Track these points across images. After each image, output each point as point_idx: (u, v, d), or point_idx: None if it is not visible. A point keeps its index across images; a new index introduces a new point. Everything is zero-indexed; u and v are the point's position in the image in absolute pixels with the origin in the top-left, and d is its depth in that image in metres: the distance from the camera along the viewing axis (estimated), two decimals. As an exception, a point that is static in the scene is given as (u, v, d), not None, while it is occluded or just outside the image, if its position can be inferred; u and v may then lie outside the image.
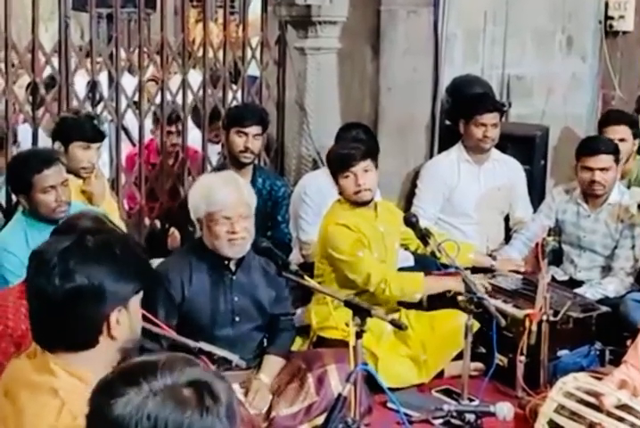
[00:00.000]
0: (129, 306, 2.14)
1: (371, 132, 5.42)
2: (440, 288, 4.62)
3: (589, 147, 5.08)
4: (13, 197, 4.85)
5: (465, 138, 5.53)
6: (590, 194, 5.12)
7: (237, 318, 3.92)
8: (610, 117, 5.86)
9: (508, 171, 5.64)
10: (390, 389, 3.71)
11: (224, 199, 3.76)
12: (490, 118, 5.44)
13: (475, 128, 5.45)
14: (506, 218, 5.74)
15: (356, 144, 4.60)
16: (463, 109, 5.62)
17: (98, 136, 4.66)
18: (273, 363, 3.97)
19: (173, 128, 5.79)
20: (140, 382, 1.59)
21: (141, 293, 2.19)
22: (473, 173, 5.55)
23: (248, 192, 3.87)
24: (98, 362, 2.12)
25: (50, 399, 2.05)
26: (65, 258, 2.09)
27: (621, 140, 5.52)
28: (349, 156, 4.46)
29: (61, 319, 2.10)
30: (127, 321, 2.13)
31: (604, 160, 4.99)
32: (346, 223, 4.46)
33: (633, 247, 5.07)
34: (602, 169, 4.99)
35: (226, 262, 3.87)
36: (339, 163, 4.51)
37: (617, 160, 5.07)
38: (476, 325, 4.35)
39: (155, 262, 4.23)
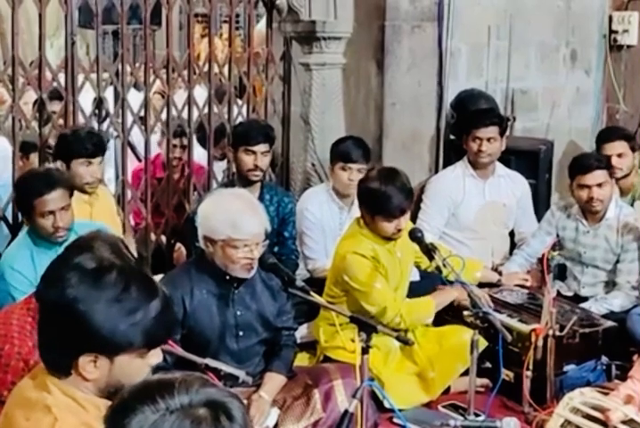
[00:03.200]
0: (117, 360, 2.06)
1: (364, 143, 5.35)
2: (447, 301, 4.62)
3: (582, 165, 5.05)
4: (20, 215, 4.87)
5: (468, 153, 5.56)
6: (588, 211, 5.12)
7: (241, 333, 3.91)
8: (605, 134, 5.84)
9: (513, 186, 5.65)
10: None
11: (251, 229, 3.74)
12: (486, 132, 5.44)
13: (472, 142, 5.47)
14: (511, 233, 5.74)
15: (405, 192, 4.39)
16: (463, 123, 5.64)
17: (98, 151, 4.64)
18: (274, 380, 3.95)
19: (177, 142, 5.80)
20: (156, 400, 1.59)
21: (149, 356, 2.10)
22: (478, 188, 5.56)
23: (265, 217, 3.87)
24: (85, 389, 2.12)
25: (43, 416, 2.06)
26: (79, 283, 2.07)
27: (619, 155, 5.52)
28: (402, 209, 4.37)
29: (49, 332, 2.10)
30: (106, 372, 2.07)
31: (599, 175, 4.98)
32: (364, 253, 4.40)
33: (638, 259, 5.05)
34: (598, 185, 4.98)
35: (228, 277, 3.86)
36: (388, 210, 4.35)
37: (611, 175, 5.06)
38: (483, 343, 4.35)
39: (159, 277, 4.23)
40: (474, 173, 5.55)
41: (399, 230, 4.40)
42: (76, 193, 4.54)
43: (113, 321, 2.03)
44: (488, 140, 5.43)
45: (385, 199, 4.34)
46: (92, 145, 4.60)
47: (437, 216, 5.53)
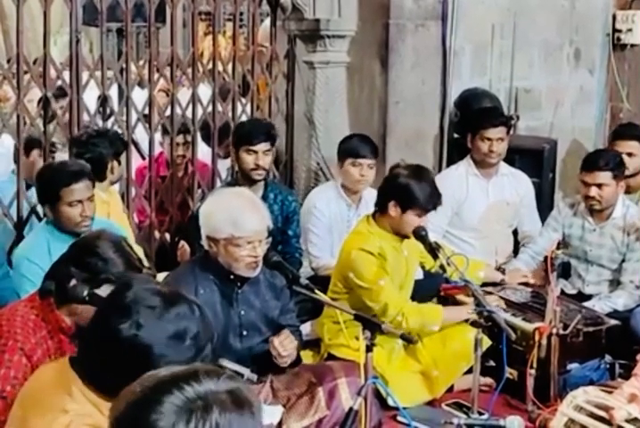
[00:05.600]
0: None
1: (371, 139, 5.36)
2: (457, 318, 4.56)
3: (588, 162, 5.07)
4: (24, 212, 4.88)
5: (472, 152, 5.55)
6: (589, 208, 5.13)
7: (245, 332, 3.91)
8: (620, 131, 5.88)
9: (517, 185, 5.64)
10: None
11: (252, 226, 3.74)
12: (495, 132, 5.45)
13: (481, 143, 5.46)
14: (515, 232, 5.74)
15: (438, 189, 4.47)
16: (469, 123, 5.64)
17: (125, 149, 4.91)
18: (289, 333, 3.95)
19: (180, 139, 5.81)
20: (183, 387, 1.60)
21: None
22: (482, 187, 5.55)
23: (267, 214, 3.87)
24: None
25: (60, 416, 2.09)
26: (149, 323, 2.14)
27: (629, 154, 5.53)
28: (434, 204, 4.44)
29: (104, 357, 2.14)
30: None
31: (600, 176, 4.98)
32: (371, 250, 4.40)
33: (642, 260, 5.07)
34: (597, 185, 4.99)
35: (232, 276, 3.85)
36: (422, 205, 4.40)
37: (617, 176, 5.02)
38: (487, 342, 4.35)
39: (163, 275, 4.24)
40: (478, 172, 5.54)
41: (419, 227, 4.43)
42: (95, 192, 4.57)
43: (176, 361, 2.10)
44: (498, 140, 5.44)
45: (422, 193, 4.39)
46: (122, 144, 4.78)
47: (440, 215, 5.47)
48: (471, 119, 5.65)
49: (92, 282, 2.99)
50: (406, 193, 4.41)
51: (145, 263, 3.59)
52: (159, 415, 1.56)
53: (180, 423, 1.55)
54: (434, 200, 4.43)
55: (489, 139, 5.44)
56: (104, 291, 2.95)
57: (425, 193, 4.40)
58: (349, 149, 5.22)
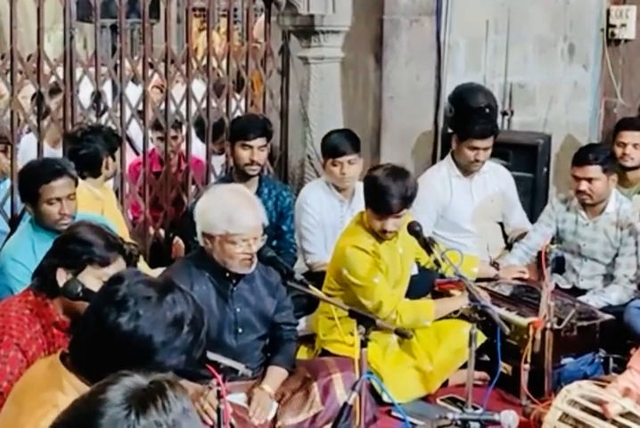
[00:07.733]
0: None
1: (351, 133, 5.26)
2: (451, 309, 4.58)
3: (578, 157, 5.07)
4: (18, 207, 4.88)
5: (456, 155, 5.45)
6: (581, 203, 5.14)
7: (240, 330, 3.90)
8: (626, 122, 5.91)
9: (498, 180, 5.58)
10: (396, 403, 3.75)
11: (247, 223, 3.74)
12: (484, 142, 5.35)
13: (467, 151, 5.36)
14: (502, 224, 5.72)
15: (400, 196, 4.31)
16: (458, 126, 5.51)
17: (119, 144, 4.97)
18: (277, 374, 3.95)
19: (172, 133, 5.79)
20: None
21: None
22: (465, 187, 5.48)
23: (262, 211, 3.87)
24: None
25: (51, 411, 2.08)
26: (146, 314, 2.18)
27: (635, 145, 5.58)
28: (389, 210, 4.32)
29: (99, 348, 2.16)
30: None
31: (590, 170, 4.98)
32: (365, 248, 4.38)
33: (636, 253, 5.06)
34: (588, 180, 4.99)
35: (228, 274, 3.85)
36: (377, 206, 4.34)
37: (607, 171, 5.00)
38: (481, 337, 4.35)
39: (158, 271, 4.23)
40: (460, 173, 5.47)
41: (385, 231, 4.38)
42: (89, 189, 4.57)
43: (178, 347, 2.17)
44: (485, 149, 5.37)
45: (380, 193, 4.32)
46: (117, 140, 4.81)
47: (424, 218, 5.32)
48: (462, 124, 5.49)
49: (75, 267, 3.01)
50: (368, 189, 4.43)
51: (128, 240, 3.62)
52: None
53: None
54: (389, 205, 4.30)
55: (477, 148, 5.36)
56: (89, 272, 3.01)
57: (383, 195, 4.30)
58: (328, 147, 5.15)
